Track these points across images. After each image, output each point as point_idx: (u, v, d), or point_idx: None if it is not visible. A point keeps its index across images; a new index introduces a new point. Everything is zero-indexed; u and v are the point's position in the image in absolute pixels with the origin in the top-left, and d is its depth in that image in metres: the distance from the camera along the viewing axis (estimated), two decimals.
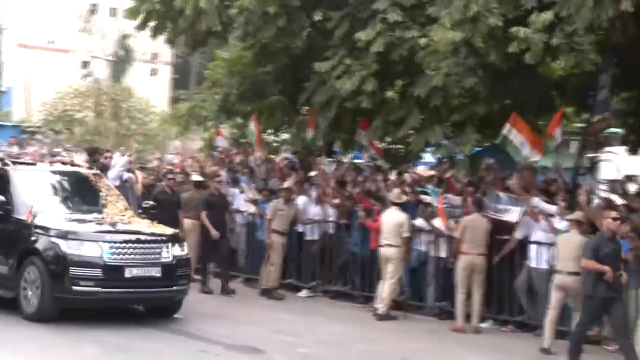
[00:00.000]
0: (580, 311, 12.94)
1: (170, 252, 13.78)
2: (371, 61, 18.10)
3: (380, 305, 15.52)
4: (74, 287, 13.02)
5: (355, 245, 16.94)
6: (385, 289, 15.52)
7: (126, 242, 13.46)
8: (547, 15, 14.88)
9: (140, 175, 18.71)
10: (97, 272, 13.11)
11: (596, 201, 15.17)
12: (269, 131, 23.71)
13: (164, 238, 13.94)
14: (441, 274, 15.85)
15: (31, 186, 14.48)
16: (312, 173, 18.73)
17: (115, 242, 13.36)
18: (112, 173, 17.75)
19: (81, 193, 15.16)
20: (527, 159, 16.59)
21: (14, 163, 15.33)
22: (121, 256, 13.29)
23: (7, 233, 13.97)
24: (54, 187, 14.95)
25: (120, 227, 13.92)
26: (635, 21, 14.95)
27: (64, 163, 16.93)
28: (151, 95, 49.67)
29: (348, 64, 18.33)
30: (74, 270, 13.04)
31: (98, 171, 16.13)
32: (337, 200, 17.49)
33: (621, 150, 20.11)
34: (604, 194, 15.90)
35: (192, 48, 23.19)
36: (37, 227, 13.55)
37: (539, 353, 13.47)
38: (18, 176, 14.60)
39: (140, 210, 15.50)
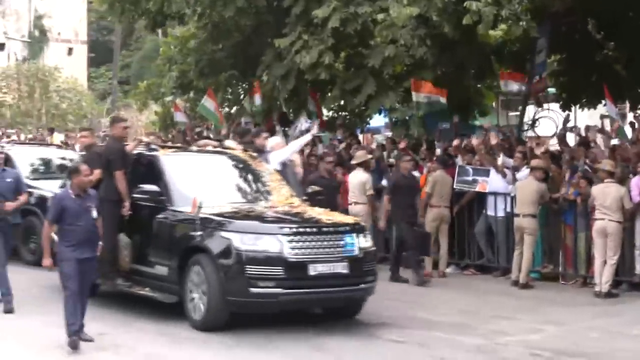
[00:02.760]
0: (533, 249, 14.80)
1: (356, 244, 11.83)
2: (327, 36, 19.38)
3: None
4: (252, 289, 11.15)
5: None
6: None
7: (307, 234, 11.51)
8: None
9: (299, 158, 16.13)
10: (278, 271, 11.21)
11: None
12: (225, 104, 24.95)
13: (347, 228, 11.98)
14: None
15: (186, 173, 12.80)
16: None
17: (295, 235, 11.42)
18: (279, 155, 14.77)
19: (242, 179, 13.46)
20: (439, 104, 18.78)
21: (162, 147, 13.86)
22: (303, 250, 11.39)
23: (164, 228, 12.25)
24: (211, 173, 13.17)
25: (298, 217, 12.12)
26: None
27: (213, 146, 15.22)
28: (70, 74, 50.01)
29: (306, 39, 19.60)
30: (251, 269, 11.16)
31: (255, 154, 14.16)
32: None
33: (556, 107, 21.86)
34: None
35: (152, 29, 24.26)
36: (201, 219, 11.62)
37: (501, 288, 15.05)
38: (170, 162, 12.90)
39: (304, 197, 13.54)
